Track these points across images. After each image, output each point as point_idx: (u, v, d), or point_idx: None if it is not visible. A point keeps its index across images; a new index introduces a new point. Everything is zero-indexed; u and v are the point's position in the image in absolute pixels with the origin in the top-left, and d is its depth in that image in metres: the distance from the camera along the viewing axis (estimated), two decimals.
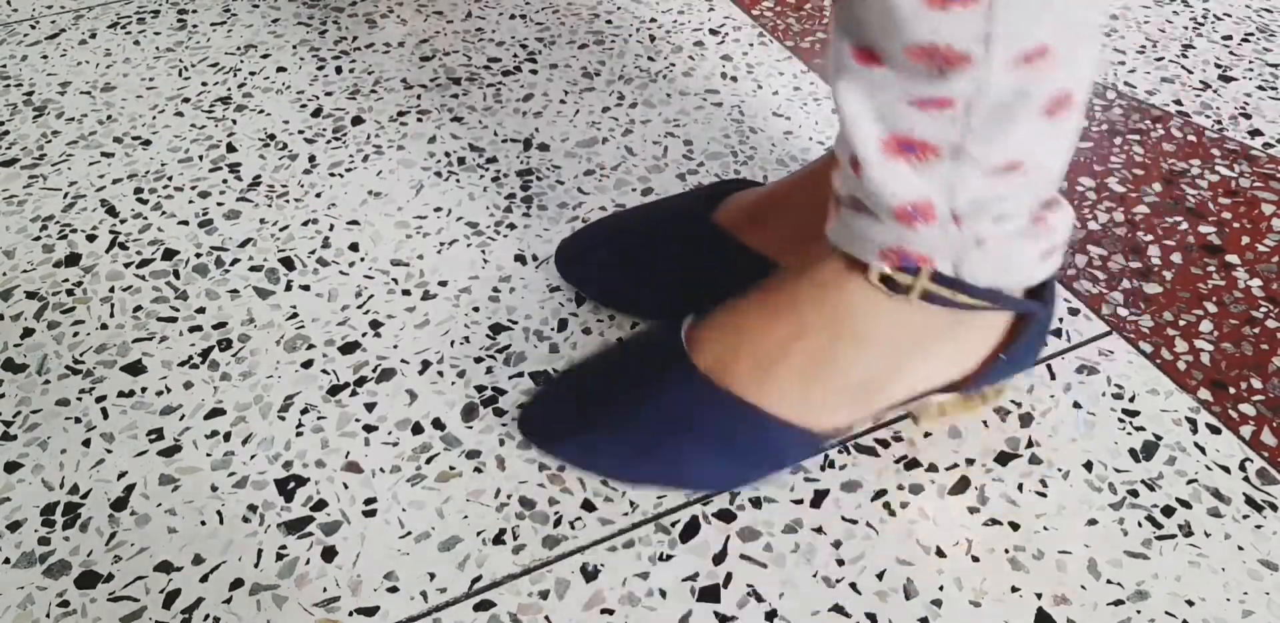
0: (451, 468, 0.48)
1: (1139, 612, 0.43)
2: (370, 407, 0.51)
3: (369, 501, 0.47)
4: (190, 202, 0.64)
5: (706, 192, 0.55)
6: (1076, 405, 0.52)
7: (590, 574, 0.44)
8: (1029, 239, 0.38)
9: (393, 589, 0.44)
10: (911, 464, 0.49)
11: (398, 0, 0.86)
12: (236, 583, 0.44)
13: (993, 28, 0.30)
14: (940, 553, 0.45)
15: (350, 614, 0.43)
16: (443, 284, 0.58)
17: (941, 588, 0.44)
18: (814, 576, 0.44)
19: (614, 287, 0.54)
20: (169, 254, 0.61)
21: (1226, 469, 0.48)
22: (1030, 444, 0.50)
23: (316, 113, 0.72)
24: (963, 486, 0.48)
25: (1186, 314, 0.57)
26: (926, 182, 0.35)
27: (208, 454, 0.49)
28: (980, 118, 0.33)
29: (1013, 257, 0.38)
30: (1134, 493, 0.47)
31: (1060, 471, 0.48)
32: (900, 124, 0.34)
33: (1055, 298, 0.43)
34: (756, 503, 0.47)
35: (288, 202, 0.64)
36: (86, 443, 0.50)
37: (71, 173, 0.67)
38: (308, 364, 0.54)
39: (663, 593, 0.44)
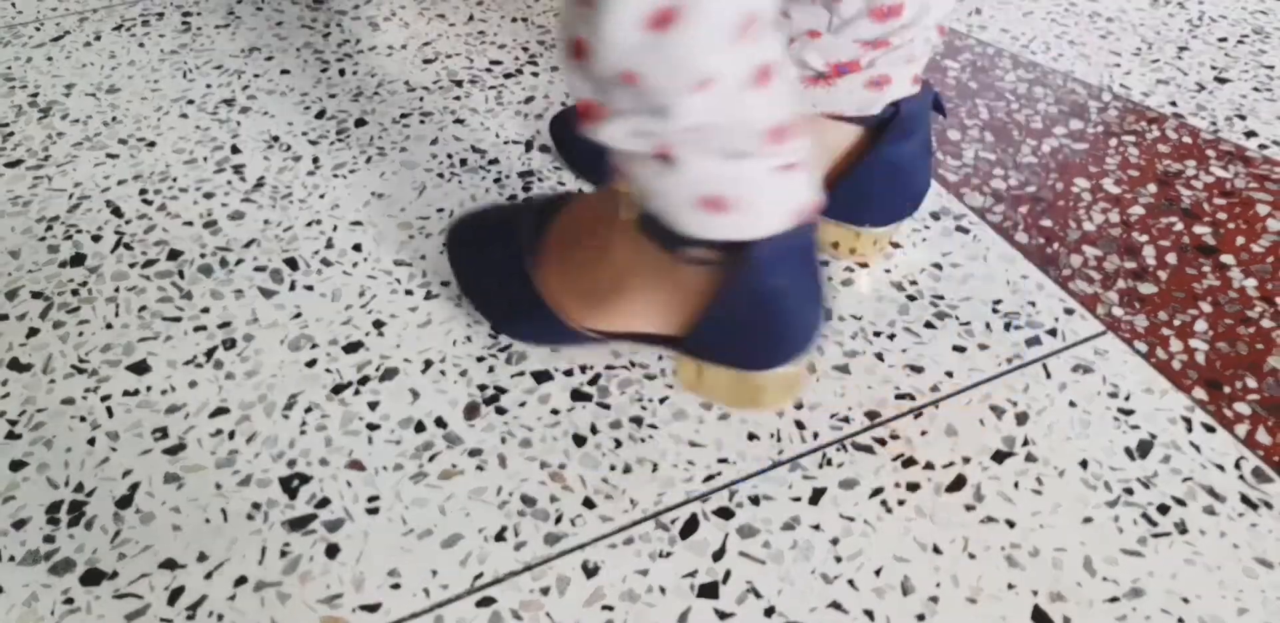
0: (454, 466, 0.49)
1: (1135, 609, 0.43)
2: (373, 405, 0.52)
3: (372, 498, 0.48)
4: (195, 202, 0.65)
5: None
6: (1072, 404, 0.52)
7: (591, 571, 0.45)
8: (664, 179, 0.40)
9: (395, 586, 0.44)
10: (908, 462, 0.49)
11: (400, 4, 0.86)
12: (240, 580, 0.44)
13: None
14: (937, 550, 0.45)
15: (353, 611, 0.43)
16: (445, 284, 0.59)
17: (938, 585, 0.44)
18: (812, 572, 0.45)
19: (583, 160, 0.66)
20: (174, 254, 0.61)
21: (1221, 468, 0.49)
22: (1026, 442, 0.50)
23: (320, 115, 0.73)
24: (959, 483, 0.48)
25: (1181, 314, 0.57)
26: (584, 81, 0.39)
27: (212, 453, 0.50)
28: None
29: (663, 195, 0.40)
30: (1129, 491, 0.48)
31: (1056, 469, 0.49)
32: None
33: (773, 279, 0.42)
34: (755, 501, 0.47)
35: (291, 202, 0.65)
36: (91, 441, 0.50)
37: (77, 174, 0.67)
38: (311, 363, 0.54)
39: (662, 590, 0.44)
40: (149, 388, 0.53)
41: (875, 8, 0.48)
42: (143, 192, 0.66)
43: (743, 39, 0.36)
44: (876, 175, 0.55)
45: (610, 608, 0.43)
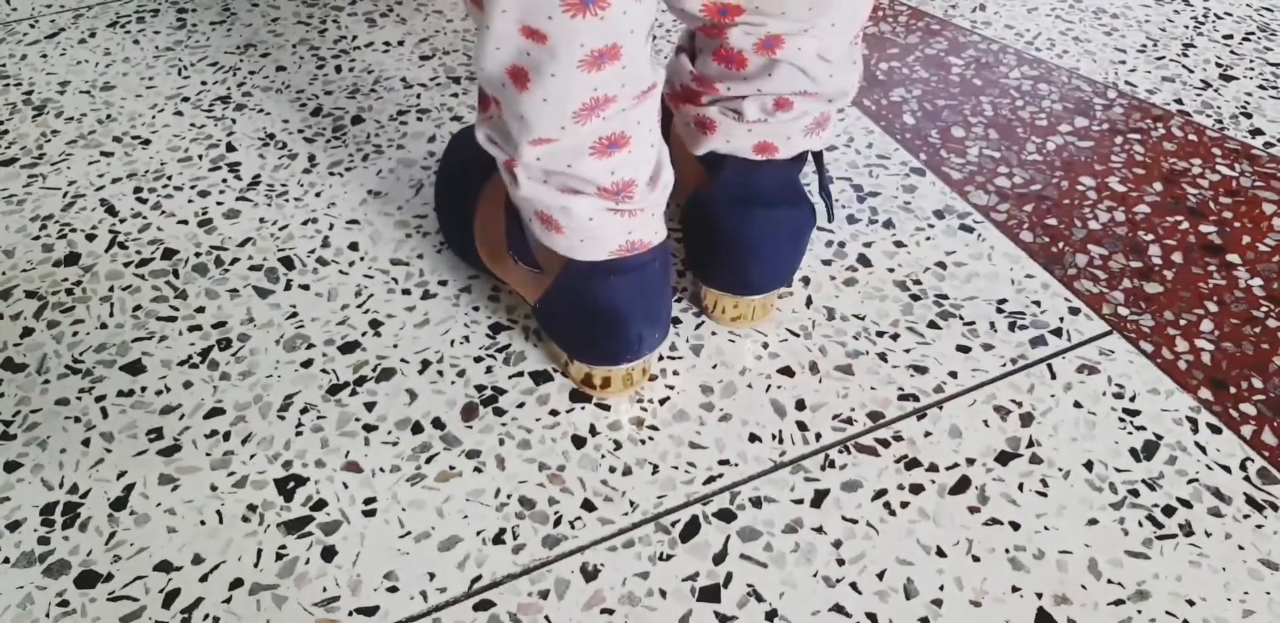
0: (451, 468, 0.48)
1: (1140, 611, 0.43)
2: (370, 406, 0.51)
3: (369, 500, 0.47)
4: (190, 201, 0.64)
5: None
6: (1077, 405, 0.51)
7: (590, 574, 0.44)
8: (511, 187, 0.44)
9: (392, 589, 0.44)
10: (912, 464, 0.48)
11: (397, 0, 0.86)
12: (236, 583, 0.44)
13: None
14: (941, 553, 0.45)
15: (350, 614, 0.43)
16: (443, 283, 0.58)
17: (942, 588, 0.44)
18: (814, 575, 0.44)
19: None
20: (168, 253, 0.61)
21: (1227, 469, 0.48)
22: (1031, 444, 0.50)
23: (316, 112, 0.72)
24: (963, 485, 0.48)
25: (1187, 314, 0.57)
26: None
27: (207, 454, 0.49)
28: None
29: (514, 197, 0.45)
30: (1135, 493, 0.47)
31: (1061, 470, 0.48)
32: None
33: (592, 294, 0.46)
34: (757, 503, 0.47)
35: (287, 201, 0.64)
36: (86, 442, 0.50)
37: (71, 172, 0.67)
38: (307, 364, 0.54)
39: (663, 593, 0.44)
40: (143, 389, 0.52)
41: (718, 50, 0.46)
42: (137, 190, 0.65)
43: (589, 118, 0.39)
44: (692, 226, 0.52)
45: (610, 611, 0.43)
